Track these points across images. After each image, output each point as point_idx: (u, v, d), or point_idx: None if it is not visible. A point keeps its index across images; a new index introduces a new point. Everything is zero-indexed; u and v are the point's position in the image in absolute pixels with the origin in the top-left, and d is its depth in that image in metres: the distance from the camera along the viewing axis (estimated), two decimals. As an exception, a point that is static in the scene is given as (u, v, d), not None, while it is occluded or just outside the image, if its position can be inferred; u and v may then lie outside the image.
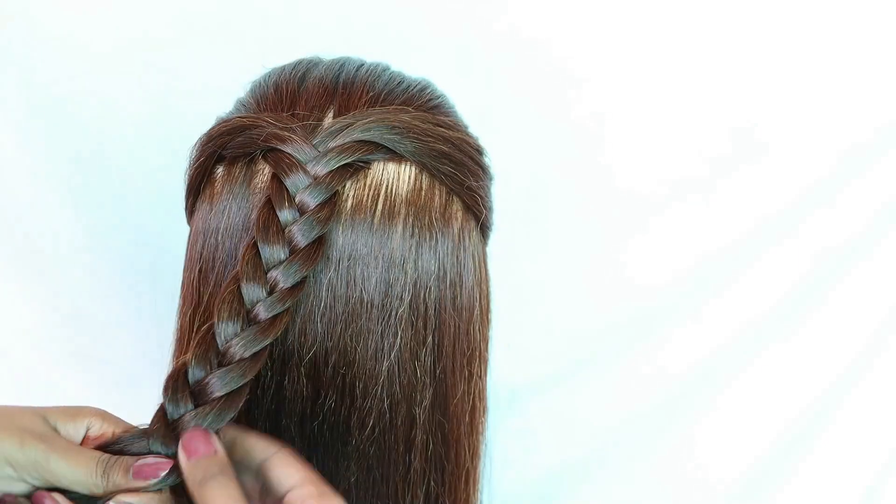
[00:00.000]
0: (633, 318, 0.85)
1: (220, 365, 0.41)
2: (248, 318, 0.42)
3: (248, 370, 0.41)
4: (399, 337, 0.45)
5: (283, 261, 0.43)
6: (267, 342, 0.42)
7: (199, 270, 0.47)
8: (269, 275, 0.43)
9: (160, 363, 0.53)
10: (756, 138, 0.83)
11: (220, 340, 0.42)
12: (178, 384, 0.41)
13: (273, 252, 0.43)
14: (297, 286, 0.43)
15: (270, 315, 0.42)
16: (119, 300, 0.80)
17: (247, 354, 0.42)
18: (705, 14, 0.80)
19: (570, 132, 0.80)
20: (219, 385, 0.41)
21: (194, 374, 0.41)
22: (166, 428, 0.41)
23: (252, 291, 0.43)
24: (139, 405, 0.77)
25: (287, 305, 0.43)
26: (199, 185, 0.49)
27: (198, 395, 0.41)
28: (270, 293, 0.43)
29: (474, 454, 0.50)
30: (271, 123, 0.46)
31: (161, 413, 0.41)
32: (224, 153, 0.48)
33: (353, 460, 0.46)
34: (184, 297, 0.49)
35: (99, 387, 0.81)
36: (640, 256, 0.84)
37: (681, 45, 0.80)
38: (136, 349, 0.81)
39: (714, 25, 0.80)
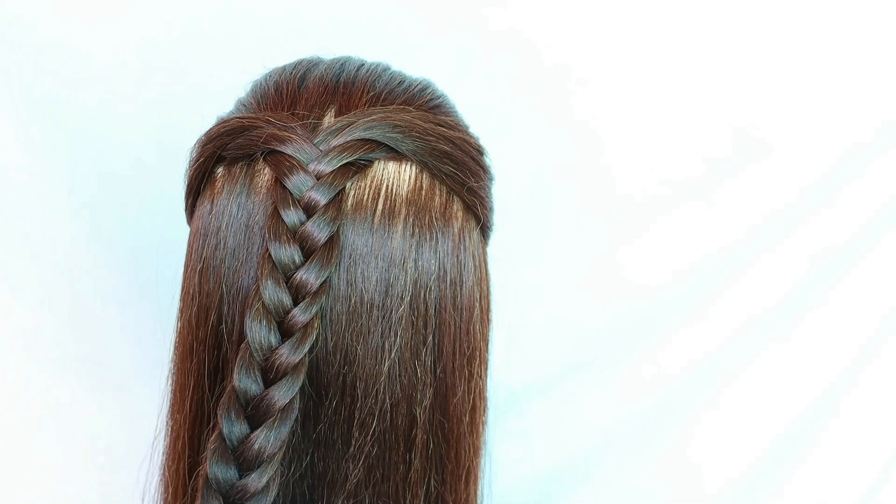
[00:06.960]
0: (632, 319, 0.85)
1: (268, 380, 0.42)
2: (283, 327, 0.43)
3: (299, 375, 0.42)
4: (399, 336, 0.45)
5: (302, 263, 0.43)
6: (309, 346, 0.43)
7: (200, 270, 0.47)
8: (292, 279, 0.43)
9: (160, 367, 0.52)
10: (756, 138, 0.83)
11: (258, 356, 0.42)
12: (231, 406, 0.42)
13: (288, 255, 0.43)
14: (324, 285, 0.44)
15: (309, 318, 0.43)
16: (118, 304, 0.80)
17: (295, 360, 0.42)
18: (705, 15, 0.80)
19: (571, 133, 0.81)
20: (280, 395, 0.42)
21: (247, 392, 0.42)
22: (225, 452, 0.41)
23: (279, 300, 0.43)
24: (138, 409, 0.78)
25: (320, 305, 0.43)
26: (198, 186, 0.49)
27: (253, 414, 0.42)
28: (296, 297, 0.43)
29: (475, 453, 0.50)
30: (271, 123, 0.46)
31: (219, 437, 0.42)
32: (224, 154, 0.48)
33: (355, 460, 0.46)
34: (183, 298, 0.49)
35: (97, 391, 0.81)
36: (640, 257, 0.84)
37: (680, 46, 0.80)
38: (135, 353, 0.80)
39: (714, 26, 0.80)
